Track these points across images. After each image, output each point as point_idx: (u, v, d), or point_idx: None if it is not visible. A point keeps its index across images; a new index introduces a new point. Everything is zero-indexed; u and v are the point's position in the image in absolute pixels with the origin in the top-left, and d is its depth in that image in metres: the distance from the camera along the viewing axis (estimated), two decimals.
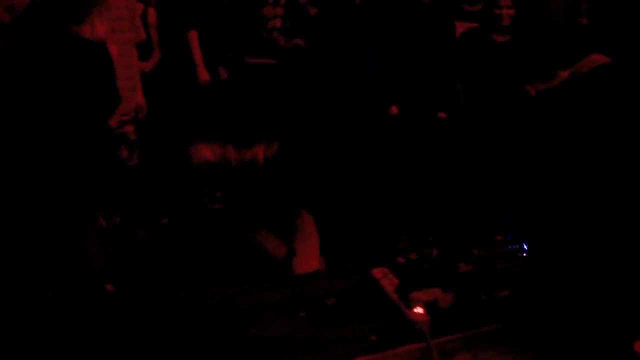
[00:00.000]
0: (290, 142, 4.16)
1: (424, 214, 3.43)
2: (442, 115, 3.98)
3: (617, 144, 2.19)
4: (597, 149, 2.22)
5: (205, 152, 3.73)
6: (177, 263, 3.14)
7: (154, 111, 3.81)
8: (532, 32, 3.85)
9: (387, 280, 2.78)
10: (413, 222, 3.38)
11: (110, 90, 2.53)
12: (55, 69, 2.27)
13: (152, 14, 4.09)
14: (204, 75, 4.20)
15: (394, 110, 4.04)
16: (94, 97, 2.38)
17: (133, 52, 3.60)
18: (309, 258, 3.16)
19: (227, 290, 2.83)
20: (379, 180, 3.79)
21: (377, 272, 2.85)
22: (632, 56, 2.81)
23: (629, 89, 2.20)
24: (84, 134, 2.36)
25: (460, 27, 4.11)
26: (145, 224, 3.63)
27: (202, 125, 4.19)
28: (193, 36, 4.16)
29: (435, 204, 3.48)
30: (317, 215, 3.53)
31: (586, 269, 2.32)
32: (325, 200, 3.68)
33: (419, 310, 2.54)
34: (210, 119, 4.27)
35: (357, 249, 3.21)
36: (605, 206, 2.25)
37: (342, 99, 4.18)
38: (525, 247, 2.79)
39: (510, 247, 2.82)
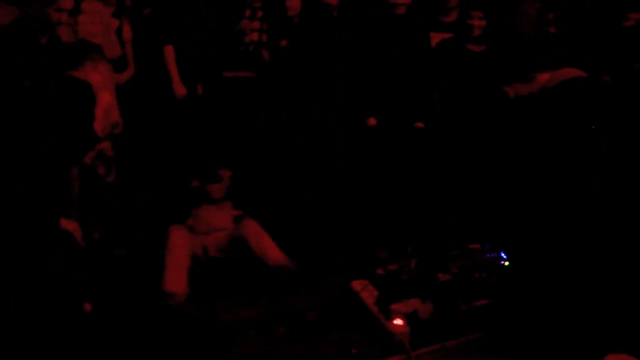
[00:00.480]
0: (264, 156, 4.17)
1: (402, 224, 3.44)
2: (419, 125, 4.01)
3: (592, 152, 2.23)
4: (573, 157, 2.25)
5: None
6: (155, 279, 3.11)
7: (132, 126, 3.80)
8: (507, 40, 3.92)
9: (366, 292, 2.77)
10: (392, 232, 3.38)
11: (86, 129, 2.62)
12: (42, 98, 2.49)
13: (127, 29, 4.09)
14: (180, 89, 4.20)
15: (372, 121, 4.07)
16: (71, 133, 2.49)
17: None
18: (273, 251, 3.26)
19: (206, 307, 2.80)
20: (357, 191, 3.80)
21: (356, 285, 2.85)
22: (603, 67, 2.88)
23: (601, 101, 2.24)
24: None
25: (436, 37, 4.16)
26: (124, 241, 3.60)
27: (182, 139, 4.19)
28: (169, 51, 4.17)
29: (413, 214, 3.50)
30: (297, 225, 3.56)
31: (565, 276, 2.35)
32: (303, 212, 3.69)
33: (398, 321, 2.54)
34: (191, 133, 4.27)
35: (337, 261, 3.21)
36: (583, 212, 2.28)
37: (319, 110, 4.20)
38: (502, 255, 2.81)
39: (488, 255, 2.84)
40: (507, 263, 2.74)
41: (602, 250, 2.24)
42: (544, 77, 2.46)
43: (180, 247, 3.30)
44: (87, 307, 2.80)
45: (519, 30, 4.08)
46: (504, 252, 2.79)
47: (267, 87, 4.58)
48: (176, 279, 3.15)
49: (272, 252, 3.32)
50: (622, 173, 2.23)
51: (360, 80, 4.16)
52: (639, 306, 2.16)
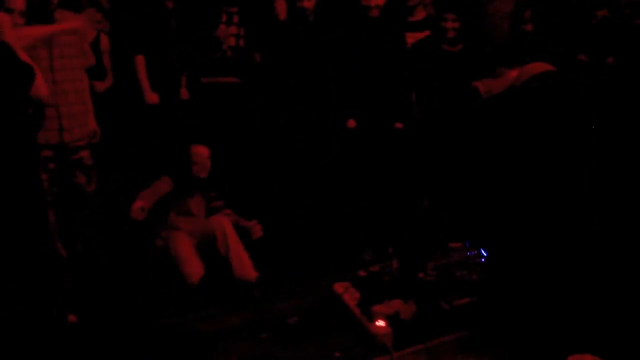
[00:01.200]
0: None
1: (383, 225, 3.45)
2: (398, 125, 4.02)
3: (566, 146, 2.24)
4: (548, 152, 2.26)
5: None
6: (136, 290, 3.09)
7: (110, 135, 3.78)
8: (479, 38, 3.95)
9: (348, 294, 2.78)
10: (373, 233, 3.39)
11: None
12: None
13: (104, 40, 4.07)
14: (151, 97, 4.19)
15: (352, 123, 4.08)
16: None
17: (83, 77, 3.57)
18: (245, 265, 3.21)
19: (187, 316, 2.78)
20: (337, 193, 3.80)
21: (339, 287, 2.85)
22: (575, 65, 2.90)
23: (570, 97, 2.26)
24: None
25: (411, 38, 4.18)
26: (106, 251, 3.57)
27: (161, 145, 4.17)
28: (139, 60, 4.16)
29: (393, 214, 3.51)
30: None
31: (544, 274, 2.36)
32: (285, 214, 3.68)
33: (381, 323, 2.54)
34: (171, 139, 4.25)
35: (319, 263, 3.20)
36: (562, 209, 2.29)
37: (298, 113, 4.20)
38: (483, 253, 2.82)
39: (468, 253, 2.85)
40: (486, 260, 2.76)
41: (583, 249, 2.25)
42: (513, 73, 2.48)
43: (180, 233, 3.29)
44: (72, 318, 2.77)
45: (493, 29, 4.12)
46: (484, 250, 2.81)
47: (248, 91, 4.58)
48: (193, 264, 3.16)
49: (237, 261, 3.23)
50: (598, 167, 2.25)
51: (337, 83, 4.16)
52: (611, 305, 2.18)
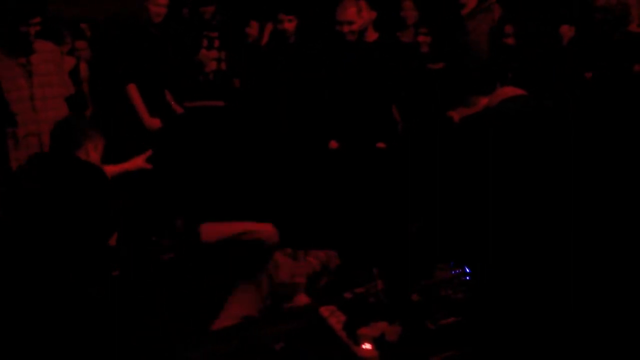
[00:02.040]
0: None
1: (367, 246, 3.44)
2: (380, 145, 4.03)
3: (540, 168, 2.27)
4: (521, 173, 2.29)
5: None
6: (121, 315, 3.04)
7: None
8: (455, 60, 3.99)
9: (334, 317, 2.75)
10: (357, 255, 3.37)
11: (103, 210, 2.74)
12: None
13: (83, 68, 4.08)
14: (153, 123, 4.20)
15: (334, 144, 4.09)
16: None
17: (62, 106, 3.58)
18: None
19: (171, 344, 2.75)
20: (323, 216, 3.79)
21: (325, 311, 2.82)
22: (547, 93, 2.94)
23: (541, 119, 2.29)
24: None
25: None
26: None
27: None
28: (132, 89, 4.16)
29: (378, 235, 3.50)
30: None
31: (530, 291, 2.36)
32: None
33: (367, 346, 2.52)
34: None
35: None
36: (546, 227, 2.30)
37: (283, 136, 4.21)
38: (467, 270, 2.82)
39: (453, 272, 2.84)
40: (470, 278, 2.75)
41: (568, 265, 2.26)
42: (484, 100, 2.52)
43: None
44: None
45: (474, 47, 4.16)
46: (467, 267, 2.80)
47: (232, 115, 4.60)
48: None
49: None
50: (574, 186, 2.27)
51: (319, 104, 4.18)
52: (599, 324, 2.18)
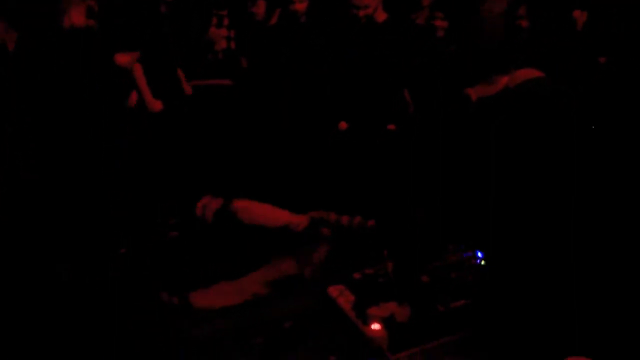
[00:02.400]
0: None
1: (378, 227, 3.42)
2: (391, 127, 4.00)
3: (557, 151, 2.23)
4: (541, 156, 2.25)
5: None
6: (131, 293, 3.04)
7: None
8: (473, 40, 3.93)
9: (343, 297, 2.74)
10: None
11: None
12: None
13: None
14: (155, 105, 4.16)
15: (343, 125, 4.05)
16: None
17: None
18: None
19: (179, 321, 2.75)
20: (332, 196, 3.77)
21: (333, 290, 2.81)
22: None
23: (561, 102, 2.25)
24: None
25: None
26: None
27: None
28: (137, 68, 4.12)
29: (389, 215, 3.48)
30: None
31: (540, 275, 2.34)
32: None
33: (376, 326, 2.51)
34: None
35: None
36: (557, 211, 2.27)
37: (292, 116, 4.18)
38: (478, 254, 2.80)
39: (464, 255, 2.83)
40: (483, 262, 2.73)
41: (579, 250, 2.24)
42: (504, 79, 2.48)
43: None
44: None
45: (487, 30, 4.10)
46: (480, 251, 2.78)
47: (243, 93, 4.57)
48: None
49: None
50: (589, 171, 2.24)
51: (329, 85, 4.14)
52: (606, 308, 2.17)
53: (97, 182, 3.58)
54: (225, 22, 4.48)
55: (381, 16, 4.06)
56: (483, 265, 2.74)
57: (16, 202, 3.02)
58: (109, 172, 3.76)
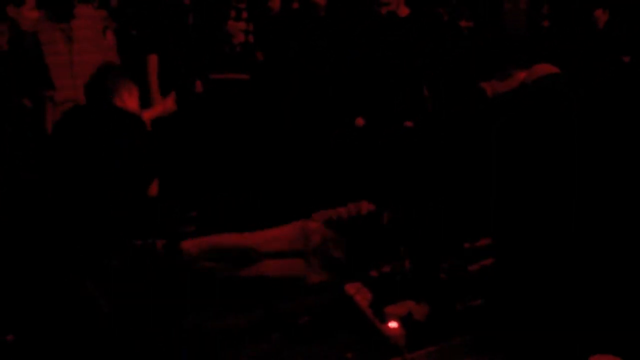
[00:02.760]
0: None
1: (395, 225, 3.39)
2: (408, 124, 3.98)
3: (572, 149, 2.20)
4: (555, 153, 2.22)
5: None
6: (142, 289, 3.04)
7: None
8: (496, 34, 3.90)
9: (360, 295, 2.73)
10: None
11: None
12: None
13: (109, 36, 4.06)
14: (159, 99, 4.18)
15: (360, 121, 4.04)
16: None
17: None
18: None
19: (192, 317, 2.74)
20: (347, 192, 3.74)
21: (350, 288, 2.80)
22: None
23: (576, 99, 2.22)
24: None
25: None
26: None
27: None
28: (152, 60, 4.13)
29: (406, 213, 3.45)
30: None
31: (553, 274, 2.31)
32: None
33: (393, 324, 2.49)
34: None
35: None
36: (570, 208, 2.24)
37: (309, 111, 4.16)
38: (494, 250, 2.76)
39: (481, 252, 2.80)
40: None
41: (600, 245, 2.20)
42: (522, 74, 2.44)
43: None
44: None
45: (510, 25, 4.07)
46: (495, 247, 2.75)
47: (259, 88, 4.56)
48: None
49: None
50: (602, 170, 2.21)
51: (348, 80, 4.12)
52: (626, 305, 2.13)
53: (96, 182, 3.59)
54: (244, 15, 4.47)
55: (404, 11, 4.04)
56: (496, 263, 2.70)
57: (16, 202, 3.03)
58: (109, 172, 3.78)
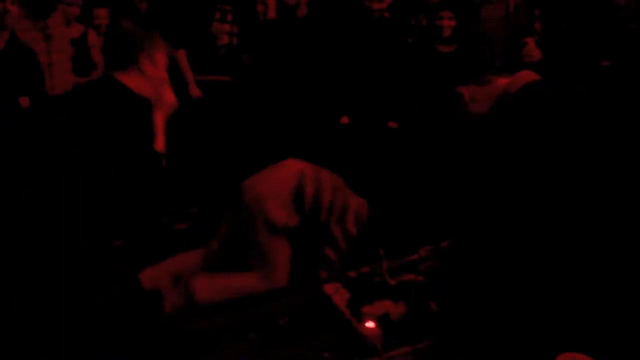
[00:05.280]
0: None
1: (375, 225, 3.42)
2: (392, 124, 4.01)
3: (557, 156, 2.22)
4: (539, 161, 2.24)
5: None
6: (125, 288, 3.04)
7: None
8: (474, 42, 3.94)
9: (339, 295, 2.75)
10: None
11: None
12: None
13: (92, 35, 4.06)
14: (196, 92, 4.24)
15: (345, 120, 4.06)
16: None
17: (69, 69, 3.57)
18: None
19: (170, 316, 2.75)
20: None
21: (329, 288, 2.82)
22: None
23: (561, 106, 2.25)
24: None
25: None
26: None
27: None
28: (182, 55, 4.19)
29: (385, 214, 3.48)
30: None
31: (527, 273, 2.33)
32: None
33: (370, 324, 2.51)
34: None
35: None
36: (541, 211, 2.27)
37: (293, 110, 4.18)
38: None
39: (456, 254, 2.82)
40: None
41: (568, 248, 2.23)
42: (502, 81, 2.45)
43: None
44: None
45: (488, 33, 4.12)
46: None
47: (243, 90, 4.57)
48: None
49: None
50: (588, 175, 2.24)
51: (332, 80, 4.15)
52: (597, 303, 2.16)
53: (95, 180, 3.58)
54: (229, 17, 4.48)
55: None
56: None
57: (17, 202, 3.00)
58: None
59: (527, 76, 2.43)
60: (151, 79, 2.33)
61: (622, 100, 2.27)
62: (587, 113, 2.26)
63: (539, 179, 2.23)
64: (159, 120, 2.41)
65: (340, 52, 4.12)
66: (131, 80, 2.30)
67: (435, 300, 2.58)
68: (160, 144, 2.47)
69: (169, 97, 2.42)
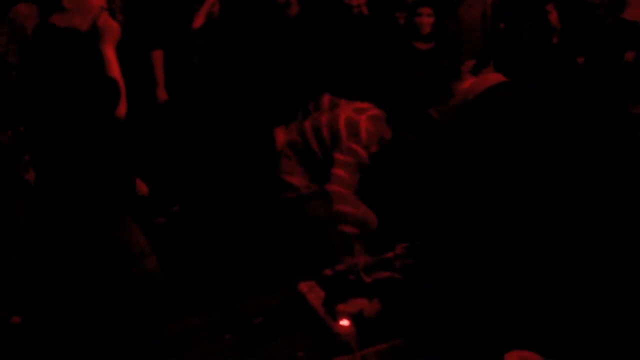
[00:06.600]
0: None
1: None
2: None
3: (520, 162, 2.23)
4: (504, 164, 2.25)
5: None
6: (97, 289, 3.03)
7: None
8: (452, 40, 3.95)
9: (313, 293, 2.75)
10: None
11: None
12: None
13: None
14: (163, 95, 4.23)
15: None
16: None
17: None
18: None
19: (147, 318, 2.73)
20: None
21: (303, 286, 2.82)
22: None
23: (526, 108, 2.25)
24: None
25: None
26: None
27: None
28: (157, 55, 4.18)
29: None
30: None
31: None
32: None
33: (344, 322, 2.52)
34: None
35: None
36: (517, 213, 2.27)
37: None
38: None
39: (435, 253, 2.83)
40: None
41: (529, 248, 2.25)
42: (465, 85, 2.46)
43: None
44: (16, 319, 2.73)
45: (466, 32, 4.13)
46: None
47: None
48: None
49: None
50: (555, 179, 2.25)
51: (312, 80, 4.13)
52: (545, 301, 2.18)
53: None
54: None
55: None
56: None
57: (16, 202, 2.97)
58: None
59: (491, 79, 2.42)
60: (85, 14, 2.27)
61: (585, 101, 2.29)
62: (544, 116, 2.27)
63: (495, 180, 2.24)
64: (109, 51, 2.31)
65: (321, 49, 4.12)
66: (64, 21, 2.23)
67: (410, 298, 2.59)
68: (116, 72, 2.37)
69: (111, 24, 2.33)
